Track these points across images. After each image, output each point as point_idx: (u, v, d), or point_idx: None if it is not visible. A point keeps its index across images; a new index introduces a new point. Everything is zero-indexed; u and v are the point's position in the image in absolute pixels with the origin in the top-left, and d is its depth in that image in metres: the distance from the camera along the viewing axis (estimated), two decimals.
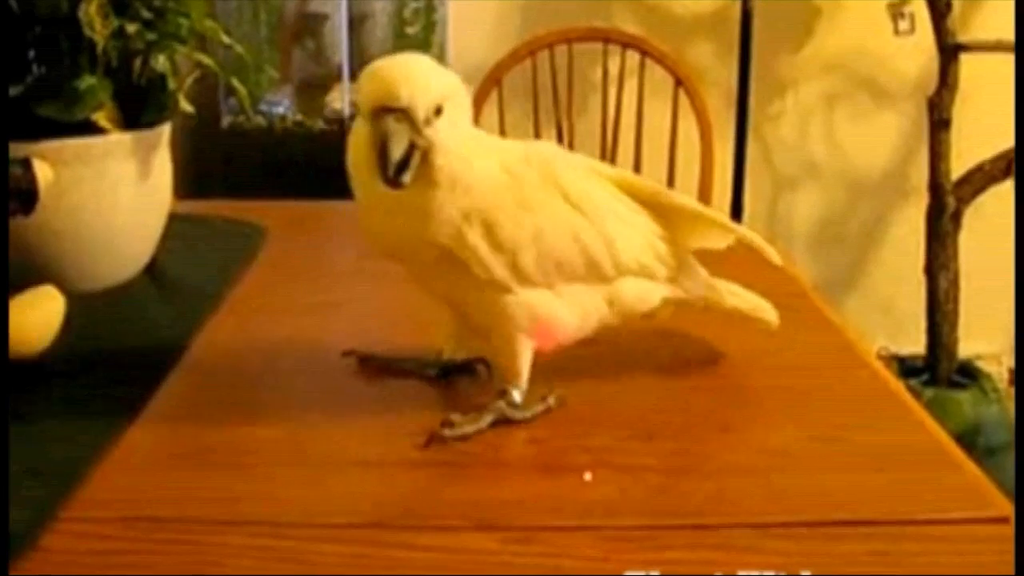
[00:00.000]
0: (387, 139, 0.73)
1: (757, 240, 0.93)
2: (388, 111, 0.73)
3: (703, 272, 0.93)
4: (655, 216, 0.89)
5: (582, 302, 0.85)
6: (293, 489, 0.75)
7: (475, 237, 0.79)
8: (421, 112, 0.74)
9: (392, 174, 0.74)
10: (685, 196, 0.93)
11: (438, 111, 0.75)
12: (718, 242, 0.93)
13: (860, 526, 0.69)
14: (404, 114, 0.73)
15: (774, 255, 0.92)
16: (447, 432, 0.79)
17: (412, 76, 0.74)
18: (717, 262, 0.92)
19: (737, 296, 0.95)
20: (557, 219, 0.83)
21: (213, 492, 0.74)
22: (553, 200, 0.83)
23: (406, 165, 0.74)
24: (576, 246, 0.84)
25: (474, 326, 0.86)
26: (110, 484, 0.75)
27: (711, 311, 0.94)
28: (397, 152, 0.73)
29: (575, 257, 0.84)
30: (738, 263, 0.92)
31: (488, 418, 0.81)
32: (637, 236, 0.87)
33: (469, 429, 0.80)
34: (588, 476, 0.75)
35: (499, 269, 0.80)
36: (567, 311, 0.84)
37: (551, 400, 0.84)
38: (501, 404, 0.82)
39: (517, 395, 0.82)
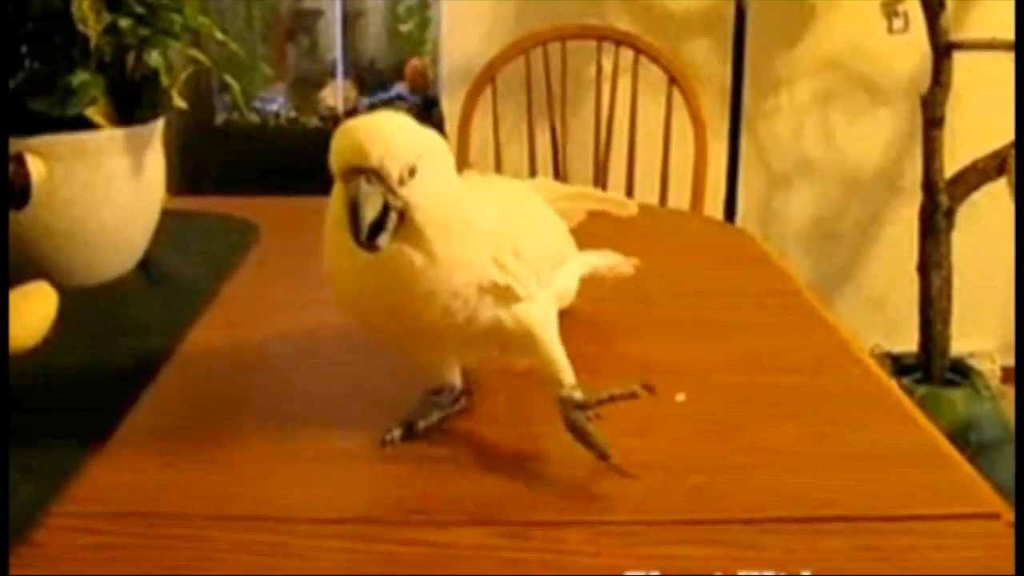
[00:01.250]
0: (358, 201, 0.70)
1: (609, 198, 1.06)
2: (359, 172, 0.70)
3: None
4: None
5: (552, 295, 0.86)
6: (286, 484, 0.75)
7: (511, 261, 0.78)
8: (394, 172, 0.70)
9: (365, 237, 0.70)
10: (556, 183, 1.05)
11: (412, 171, 0.71)
12: (578, 216, 1.01)
13: (852, 522, 0.69)
14: (376, 175, 0.70)
15: (628, 209, 1.03)
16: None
17: (383, 135, 0.71)
18: (711, 259, 0.92)
19: (604, 257, 1.02)
20: (536, 224, 0.86)
21: (205, 487, 0.74)
22: (523, 208, 0.86)
23: (381, 227, 0.71)
24: (551, 245, 0.88)
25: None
26: (102, 479, 0.75)
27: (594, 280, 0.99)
28: (370, 214, 0.70)
29: (553, 255, 0.88)
30: (732, 262, 0.92)
31: (588, 430, 0.78)
32: (561, 226, 0.93)
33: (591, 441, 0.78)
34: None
35: (531, 281, 0.80)
36: (551, 308, 0.85)
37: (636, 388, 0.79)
38: (579, 415, 0.78)
39: (579, 394, 0.79)
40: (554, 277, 0.87)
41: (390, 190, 0.71)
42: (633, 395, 0.77)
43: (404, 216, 0.72)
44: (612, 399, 0.77)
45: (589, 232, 0.98)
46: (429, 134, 0.75)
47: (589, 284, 0.97)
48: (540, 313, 0.81)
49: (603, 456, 0.76)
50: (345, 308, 0.79)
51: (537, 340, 0.80)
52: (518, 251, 0.78)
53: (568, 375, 0.79)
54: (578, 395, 0.78)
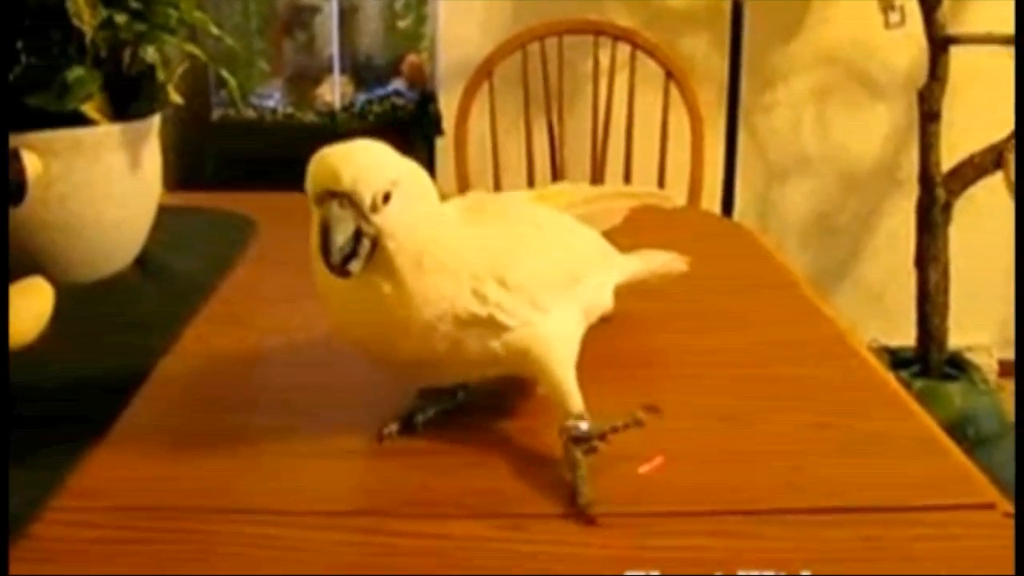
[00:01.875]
0: (329, 224, 0.69)
1: (651, 194, 1.03)
2: (332, 195, 0.70)
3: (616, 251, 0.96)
4: (579, 216, 0.93)
5: (567, 316, 0.84)
6: (284, 477, 0.75)
7: (493, 291, 0.76)
8: (367, 197, 0.70)
9: (336, 261, 0.70)
10: (585, 185, 1.01)
11: (387, 197, 0.71)
12: (619, 216, 1.00)
13: (850, 513, 0.70)
14: (348, 199, 0.70)
15: (671, 200, 1.02)
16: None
17: (356, 161, 0.71)
18: (709, 253, 0.92)
19: (651, 258, 0.99)
20: (540, 245, 0.83)
21: (203, 480, 0.74)
22: (526, 230, 0.84)
23: (354, 254, 0.70)
24: (560, 265, 0.84)
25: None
26: (100, 473, 0.75)
27: (637, 280, 0.96)
28: (340, 238, 0.69)
29: (563, 275, 0.84)
30: (730, 256, 0.92)
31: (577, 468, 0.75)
32: (583, 236, 0.91)
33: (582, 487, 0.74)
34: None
35: (523, 309, 0.78)
36: (562, 328, 0.82)
37: (639, 414, 0.77)
38: (574, 450, 0.76)
39: (583, 425, 0.76)
40: (577, 292, 0.85)
41: (362, 216, 0.70)
42: (638, 423, 0.76)
43: (376, 244, 0.71)
44: (615, 430, 0.76)
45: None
46: (407, 163, 0.74)
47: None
48: (539, 338, 0.79)
49: (573, 496, 0.72)
50: (335, 332, 0.80)
51: (536, 366, 0.79)
52: (505, 279, 0.77)
53: (574, 402, 0.78)
54: (582, 426, 0.76)
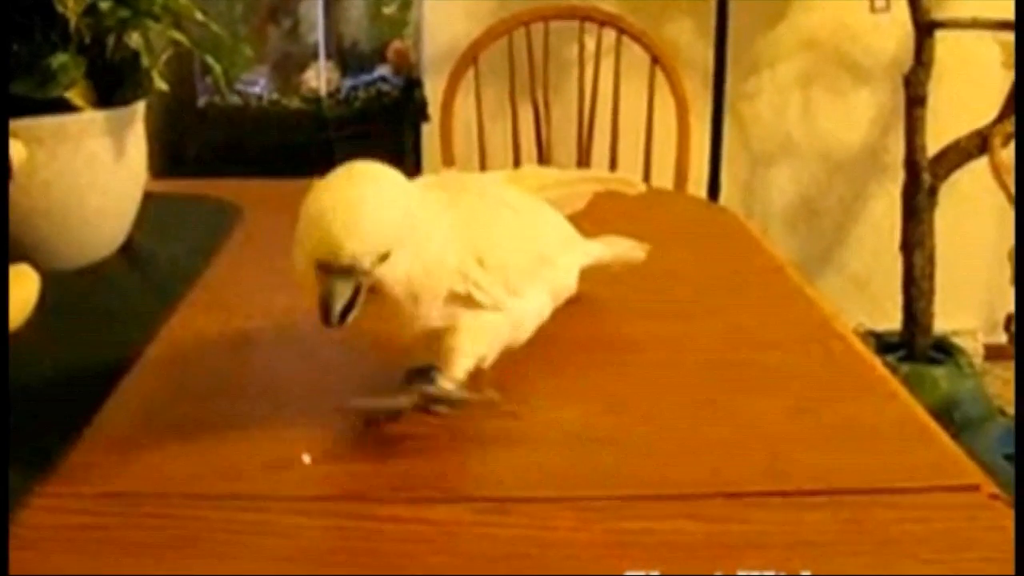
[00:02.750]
0: (331, 297, 0.69)
1: (616, 178, 1.02)
2: (332, 267, 0.69)
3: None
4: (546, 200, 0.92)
5: (538, 299, 0.85)
6: (270, 463, 0.75)
7: (473, 270, 0.77)
8: (367, 264, 0.69)
9: (334, 326, 0.69)
10: (553, 169, 1.01)
11: (385, 256, 0.70)
12: (583, 200, 0.98)
13: (833, 495, 0.70)
14: (349, 270, 0.69)
15: (637, 187, 0.99)
16: (355, 403, 0.79)
17: (360, 231, 0.68)
18: (694, 238, 0.92)
19: (614, 244, 0.99)
20: (513, 227, 0.83)
21: (189, 466, 0.74)
22: (500, 211, 0.84)
23: (351, 306, 0.70)
24: (533, 247, 0.84)
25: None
26: (86, 460, 0.75)
27: (600, 267, 0.97)
28: (338, 307, 0.69)
29: (534, 257, 0.84)
30: (715, 241, 0.92)
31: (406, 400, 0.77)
32: (553, 218, 0.91)
33: (382, 405, 0.78)
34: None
35: (497, 290, 0.78)
36: (532, 312, 0.84)
37: (490, 393, 0.78)
38: (428, 388, 0.77)
39: (447, 386, 0.77)
40: (546, 274, 0.85)
41: (362, 273, 0.70)
42: (491, 403, 0.77)
43: (374, 288, 0.71)
44: (462, 402, 0.77)
45: (575, 214, 0.98)
46: (405, 201, 0.72)
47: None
48: (500, 320, 0.80)
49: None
50: None
51: (460, 330, 0.78)
52: (484, 259, 0.77)
53: (458, 367, 0.78)
54: (445, 384, 0.77)
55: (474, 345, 0.78)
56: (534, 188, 0.93)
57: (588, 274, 0.94)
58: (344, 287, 0.69)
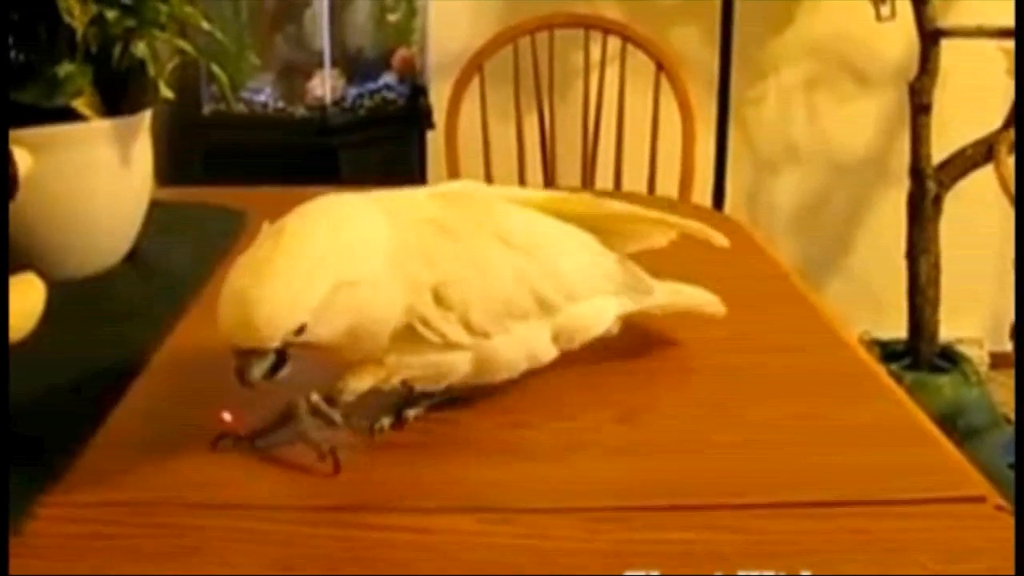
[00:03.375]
0: (245, 370, 0.70)
1: (698, 228, 0.90)
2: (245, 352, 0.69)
3: (647, 277, 0.90)
4: (593, 229, 0.86)
5: (527, 339, 0.81)
6: (275, 472, 0.75)
7: (424, 304, 0.74)
8: (277, 342, 0.69)
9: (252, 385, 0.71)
10: (616, 202, 0.89)
11: (301, 329, 0.69)
12: (660, 240, 0.91)
13: (841, 505, 0.70)
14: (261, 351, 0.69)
15: (719, 238, 0.90)
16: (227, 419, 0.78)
17: (259, 317, 0.68)
18: (698, 245, 0.92)
19: (681, 294, 0.93)
20: (498, 264, 0.78)
21: (194, 475, 0.74)
22: (490, 245, 0.78)
23: (281, 365, 0.71)
24: (523, 287, 0.79)
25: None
26: (91, 468, 0.75)
27: (663, 312, 0.93)
28: (255, 375, 0.70)
29: (523, 298, 0.79)
30: (720, 248, 0.92)
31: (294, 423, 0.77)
32: (581, 259, 0.84)
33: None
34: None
35: (452, 329, 0.76)
36: (513, 352, 0.81)
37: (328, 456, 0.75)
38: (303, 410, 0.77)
39: (322, 406, 0.77)
40: (544, 318, 0.81)
41: (282, 346, 0.70)
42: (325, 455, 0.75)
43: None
44: (311, 439, 0.76)
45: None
46: (332, 266, 0.70)
47: None
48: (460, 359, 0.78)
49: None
50: None
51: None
52: (441, 295, 0.75)
53: (354, 384, 0.78)
54: (322, 404, 0.77)
55: (370, 368, 0.77)
56: (578, 216, 0.86)
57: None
58: (258, 363, 0.70)
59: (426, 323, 0.75)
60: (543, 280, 0.80)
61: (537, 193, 0.88)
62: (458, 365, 0.79)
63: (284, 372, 0.71)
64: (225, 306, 0.69)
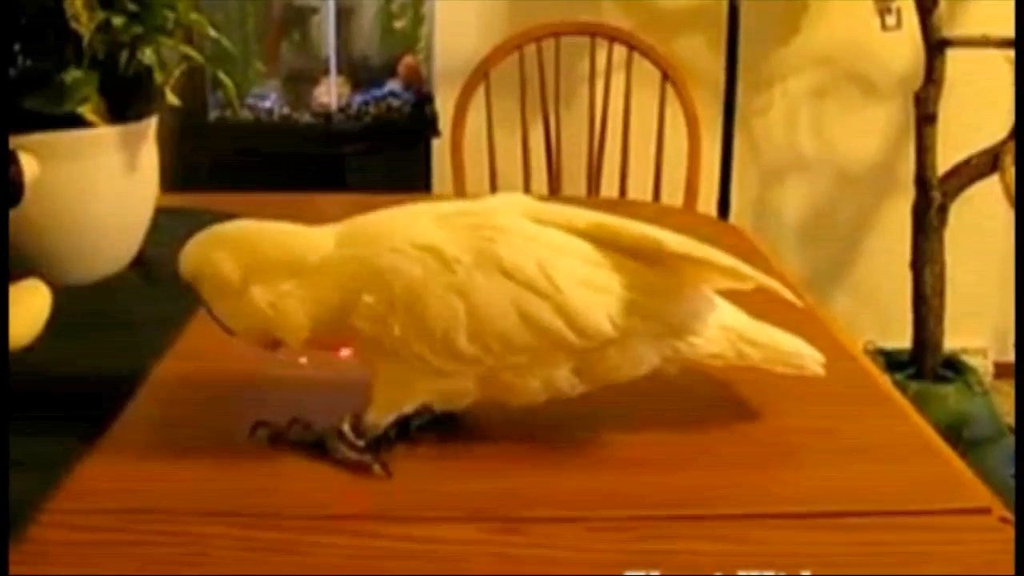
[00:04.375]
0: None
1: (777, 287, 0.81)
2: None
3: (724, 319, 0.82)
4: (647, 265, 0.78)
5: (538, 370, 0.77)
6: (284, 480, 0.75)
7: (400, 328, 0.74)
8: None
9: None
10: (685, 238, 0.80)
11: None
12: (722, 284, 0.83)
13: (845, 517, 0.70)
14: None
15: (796, 300, 0.84)
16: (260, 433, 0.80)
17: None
18: None
19: (757, 346, 0.83)
20: (492, 297, 0.74)
21: (203, 482, 0.74)
22: (489, 278, 0.75)
23: None
24: (524, 320, 0.74)
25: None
26: (97, 475, 0.75)
27: (726, 363, 0.83)
28: None
29: (525, 334, 0.75)
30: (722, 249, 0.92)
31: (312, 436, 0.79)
32: (612, 299, 0.76)
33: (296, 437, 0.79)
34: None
35: (436, 358, 0.75)
36: (522, 379, 0.78)
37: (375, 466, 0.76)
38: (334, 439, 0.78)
39: (346, 428, 0.77)
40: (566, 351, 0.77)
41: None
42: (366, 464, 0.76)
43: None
44: (348, 459, 0.77)
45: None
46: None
47: None
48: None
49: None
50: None
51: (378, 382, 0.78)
52: (418, 319, 0.74)
53: (372, 422, 0.78)
54: (346, 428, 0.78)
55: (388, 397, 0.78)
56: (627, 247, 0.79)
57: None
58: None
59: (408, 351, 0.75)
60: (550, 317, 0.75)
61: (582, 214, 0.80)
62: (461, 388, 0.78)
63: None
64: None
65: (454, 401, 0.80)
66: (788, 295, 0.81)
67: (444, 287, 0.74)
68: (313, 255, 0.77)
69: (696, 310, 0.80)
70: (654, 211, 0.95)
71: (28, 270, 1.01)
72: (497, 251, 0.75)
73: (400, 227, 0.77)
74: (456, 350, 0.74)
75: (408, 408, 0.78)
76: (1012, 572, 0.63)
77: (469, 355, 0.75)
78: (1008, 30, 2.32)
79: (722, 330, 0.81)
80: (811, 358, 0.84)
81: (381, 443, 0.78)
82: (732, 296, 0.84)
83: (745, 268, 0.80)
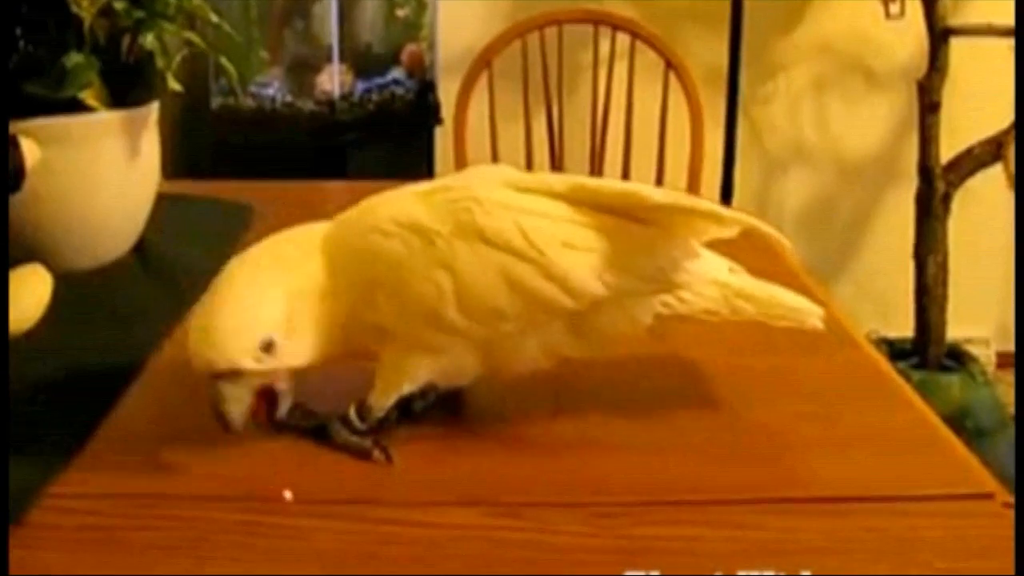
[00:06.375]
0: (224, 412, 0.71)
1: (764, 229, 0.79)
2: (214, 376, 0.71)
3: (718, 271, 0.82)
4: (632, 222, 0.77)
5: (533, 334, 0.77)
6: (280, 465, 0.75)
7: (390, 307, 0.74)
8: (249, 361, 0.71)
9: (240, 430, 0.72)
10: (665, 190, 0.80)
11: (269, 346, 0.71)
12: (714, 233, 0.81)
13: (849, 503, 0.70)
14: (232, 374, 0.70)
15: (781, 240, 0.81)
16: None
17: (221, 333, 0.70)
18: (706, 243, 0.92)
19: (751, 300, 0.82)
20: (477, 266, 0.74)
21: (200, 468, 0.74)
22: (471, 248, 0.74)
23: (274, 405, 0.74)
24: (512, 288, 0.74)
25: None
26: (97, 461, 0.75)
27: (721, 318, 0.81)
28: (237, 415, 0.72)
29: (515, 301, 0.74)
30: (728, 246, 0.91)
31: (314, 422, 0.79)
32: (598, 258, 0.75)
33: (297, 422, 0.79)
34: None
35: (428, 333, 0.75)
36: (519, 345, 0.78)
37: (375, 451, 0.76)
38: (336, 423, 0.78)
39: (352, 415, 0.78)
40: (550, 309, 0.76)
41: (256, 375, 0.71)
42: (365, 454, 0.76)
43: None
44: (347, 446, 0.77)
45: None
46: (279, 303, 0.73)
47: None
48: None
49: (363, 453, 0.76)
50: None
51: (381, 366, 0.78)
52: (402, 297, 0.74)
53: (375, 405, 0.77)
54: (352, 415, 0.78)
55: (387, 379, 0.78)
56: (610, 206, 0.77)
57: None
58: (235, 395, 0.71)
59: (402, 330, 0.75)
60: (539, 282, 0.74)
61: (561, 179, 0.79)
62: (460, 363, 0.78)
63: (283, 411, 0.74)
64: (191, 342, 0.71)
65: (456, 377, 0.80)
66: (772, 231, 0.79)
67: (427, 262, 0.74)
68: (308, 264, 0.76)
69: (683, 262, 0.79)
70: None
71: (28, 256, 1.01)
72: (476, 220, 0.74)
73: (381, 207, 0.78)
74: (447, 323, 0.74)
75: (408, 388, 0.78)
76: (1015, 562, 0.63)
77: (461, 327, 0.74)
78: (1012, 19, 2.31)
79: (715, 285, 0.81)
80: (809, 312, 0.82)
81: (383, 426, 0.78)
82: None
83: (726, 211, 0.79)
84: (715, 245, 0.84)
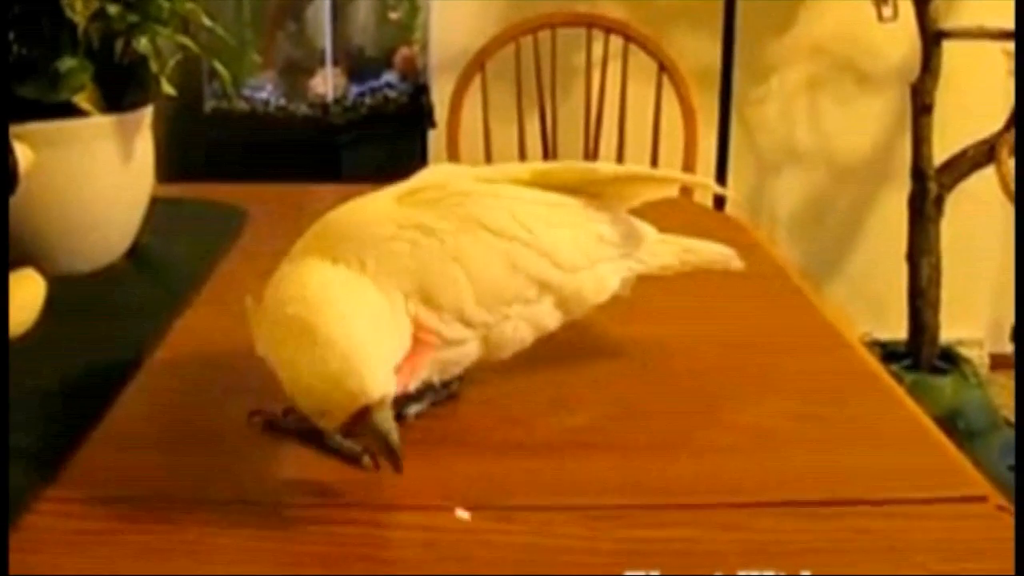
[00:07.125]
0: (390, 435, 0.68)
1: (699, 180, 1.08)
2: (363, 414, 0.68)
3: (652, 234, 0.89)
4: (588, 197, 0.84)
5: (530, 316, 0.81)
6: (275, 468, 0.75)
7: (420, 315, 0.74)
8: (393, 388, 0.70)
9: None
10: (607, 164, 0.91)
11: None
12: (657, 195, 0.90)
13: (841, 505, 0.70)
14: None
15: (714, 187, 0.97)
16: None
17: (371, 368, 0.68)
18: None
19: (692, 252, 0.92)
20: (485, 255, 0.77)
21: (192, 471, 0.74)
22: (476, 238, 0.77)
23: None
24: (516, 272, 0.78)
25: None
26: (90, 464, 0.75)
27: (673, 271, 0.91)
28: (396, 437, 0.69)
29: (518, 283, 0.79)
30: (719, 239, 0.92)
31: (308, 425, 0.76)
32: (575, 232, 0.83)
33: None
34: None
35: (449, 329, 0.76)
36: (518, 331, 0.81)
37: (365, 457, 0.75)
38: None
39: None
40: (542, 297, 0.81)
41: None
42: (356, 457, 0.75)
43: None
44: (340, 449, 0.76)
45: None
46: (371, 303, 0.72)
47: None
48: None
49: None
50: None
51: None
52: (432, 299, 0.75)
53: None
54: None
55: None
56: (568, 184, 0.85)
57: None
58: (388, 416, 0.69)
59: (423, 328, 0.75)
60: (536, 260, 0.80)
61: (522, 167, 0.86)
62: (467, 352, 0.80)
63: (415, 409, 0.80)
64: (324, 388, 0.68)
65: (453, 369, 0.81)
66: (711, 183, 0.93)
67: (440, 258, 0.76)
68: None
69: (638, 228, 0.88)
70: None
71: (22, 259, 1.01)
72: (473, 212, 0.78)
73: (371, 214, 0.78)
74: (467, 317, 0.77)
75: (413, 385, 0.78)
76: (1008, 560, 0.63)
77: (478, 320, 0.77)
78: (1004, 21, 2.32)
79: (663, 243, 0.90)
80: (732, 256, 0.93)
81: None
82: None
83: (658, 172, 0.89)
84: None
